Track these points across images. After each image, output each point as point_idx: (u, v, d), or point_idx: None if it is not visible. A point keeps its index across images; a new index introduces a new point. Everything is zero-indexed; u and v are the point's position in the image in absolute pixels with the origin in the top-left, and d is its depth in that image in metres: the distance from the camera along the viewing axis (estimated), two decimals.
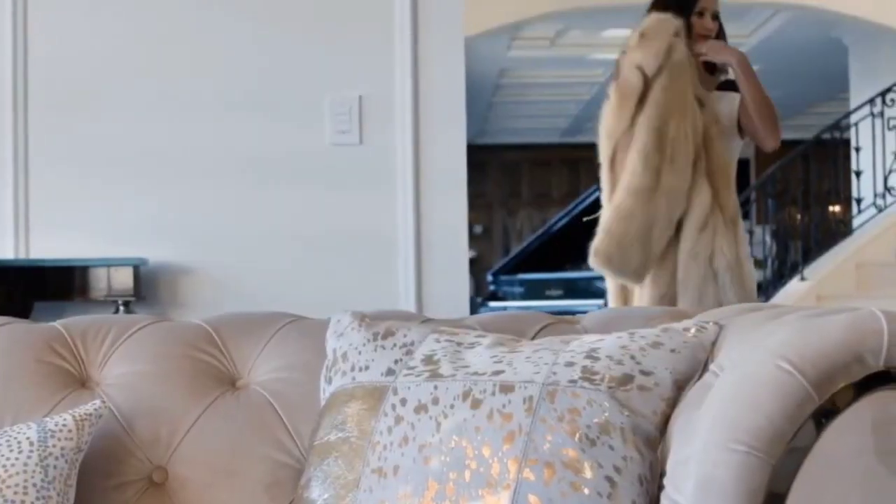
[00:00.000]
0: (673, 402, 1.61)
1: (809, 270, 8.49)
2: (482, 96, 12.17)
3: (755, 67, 3.55)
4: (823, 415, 1.37)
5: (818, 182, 9.06)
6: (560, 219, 10.30)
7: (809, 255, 8.71)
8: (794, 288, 8.36)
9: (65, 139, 3.41)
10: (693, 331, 1.69)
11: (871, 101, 8.52)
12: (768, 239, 8.93)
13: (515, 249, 12.12)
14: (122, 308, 3.34)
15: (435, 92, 3.41)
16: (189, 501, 1.80)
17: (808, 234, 8.92)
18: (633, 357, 1.63)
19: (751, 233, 9.17)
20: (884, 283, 8.01)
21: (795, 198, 9.08)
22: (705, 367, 1.64)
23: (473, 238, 13.72)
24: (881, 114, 8.45)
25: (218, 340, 1.92)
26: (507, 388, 1.61)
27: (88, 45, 3.41)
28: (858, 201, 8.75)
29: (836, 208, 9.70)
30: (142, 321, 1.96)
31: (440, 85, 3.42)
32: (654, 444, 1.57)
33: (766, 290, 8.67)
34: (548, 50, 10.49)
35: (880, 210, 8.53)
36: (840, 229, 9.09)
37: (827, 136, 8.71)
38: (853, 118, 8.83)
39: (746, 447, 1.35)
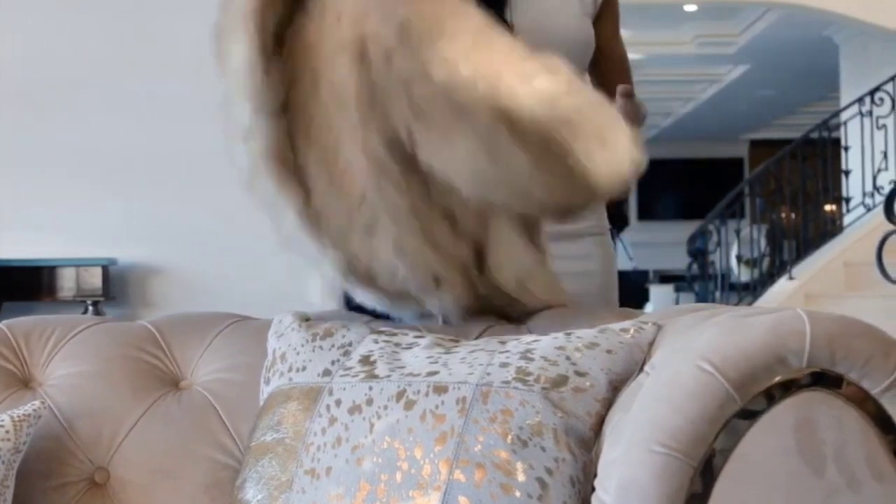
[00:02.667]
0: (608, 403, 1.60)
1: (798, 269, 8.49)
2: None
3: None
4: (747, 416, 1.37)
5: (809, 181, 9.05)
6: None
7: (800, 255, 8.71)
8: (781, 287, 8.36)
9: (33, 140, 3.40)
10: (631, 331, 1.68)
11: (860, 100, 8.51)
12: (755, 235, 8.93)
13: None
14: (90, 308, 3.34)
15: None
16: (130, 502, 1.80)
17: (799, 233, 8.92)
18: (568, 358, 1.62)
19: (737, 231, 9.20)
20: (872, 282, 7.98)
21: (785, 197, 9.08)
22: (642, 368, 1.63)
23: None
24: (870, 112, 8.44)
25: (161, 341, 1.92)
26: (440, 389, 1.60)
27: (56, 46, 3.41)
28: (847, 200, 8.74)
29: (830, 207, 9.69)
30: (86, 322, 1.95)
31: None
32: (587, 445, 1.57)
33: (755, 289, 8.68)
34: None
35: (869, 209, 8.52)
36: (830, 229, 9.09)
37: (816, 135, 8.71)
38: (843, 117, 8.83)
39: (666, 449, 1.35)
